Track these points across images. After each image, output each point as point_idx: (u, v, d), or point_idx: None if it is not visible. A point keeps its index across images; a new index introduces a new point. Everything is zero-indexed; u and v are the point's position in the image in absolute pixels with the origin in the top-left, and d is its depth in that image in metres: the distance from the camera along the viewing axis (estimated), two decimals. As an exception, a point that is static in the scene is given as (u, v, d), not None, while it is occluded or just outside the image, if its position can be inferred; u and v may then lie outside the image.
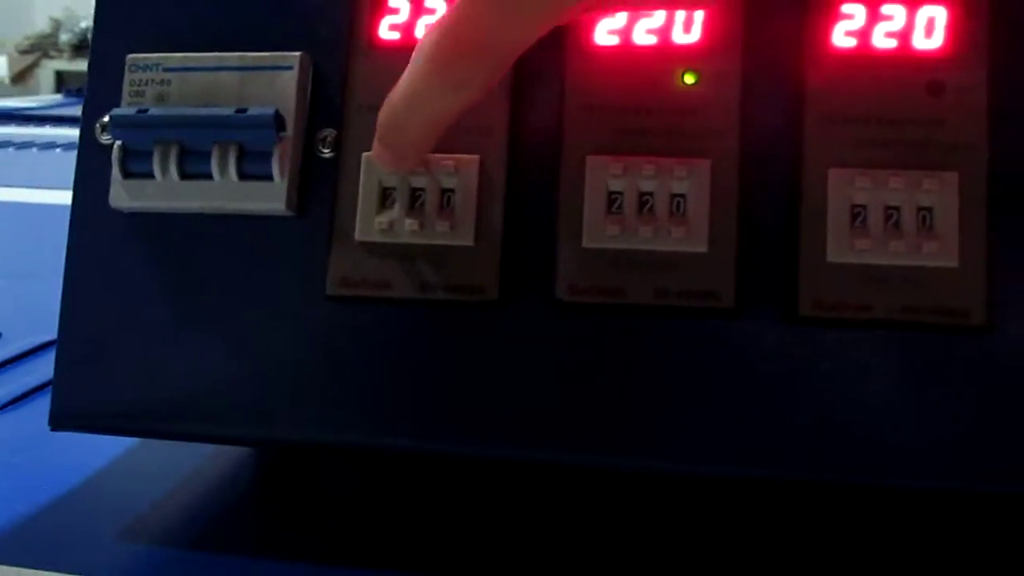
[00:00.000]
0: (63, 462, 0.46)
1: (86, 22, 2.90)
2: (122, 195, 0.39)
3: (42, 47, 2.95)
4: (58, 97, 2.52)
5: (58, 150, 1.35)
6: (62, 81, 3.01)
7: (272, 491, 0.45)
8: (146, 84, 0.39)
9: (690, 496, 0.42)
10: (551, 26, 0.32)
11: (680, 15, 0.36)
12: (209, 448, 0.47)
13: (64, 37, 3.04)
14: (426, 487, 0.44)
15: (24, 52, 2.97)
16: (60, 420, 0.39)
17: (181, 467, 0.46)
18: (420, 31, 0.38)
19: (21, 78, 2.94)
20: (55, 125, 1.61)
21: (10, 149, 1.37)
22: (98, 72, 0.40)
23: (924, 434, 0.34)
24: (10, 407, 0.53)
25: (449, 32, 0.31)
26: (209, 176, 0.37)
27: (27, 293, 0.71)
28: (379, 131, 0.34)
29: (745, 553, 0.38)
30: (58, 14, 3.15)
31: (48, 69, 3.06)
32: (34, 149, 1.37)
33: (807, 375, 0.34)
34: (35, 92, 2.79)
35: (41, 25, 3.20)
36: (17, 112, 1.73)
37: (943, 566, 0.37)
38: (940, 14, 0.35)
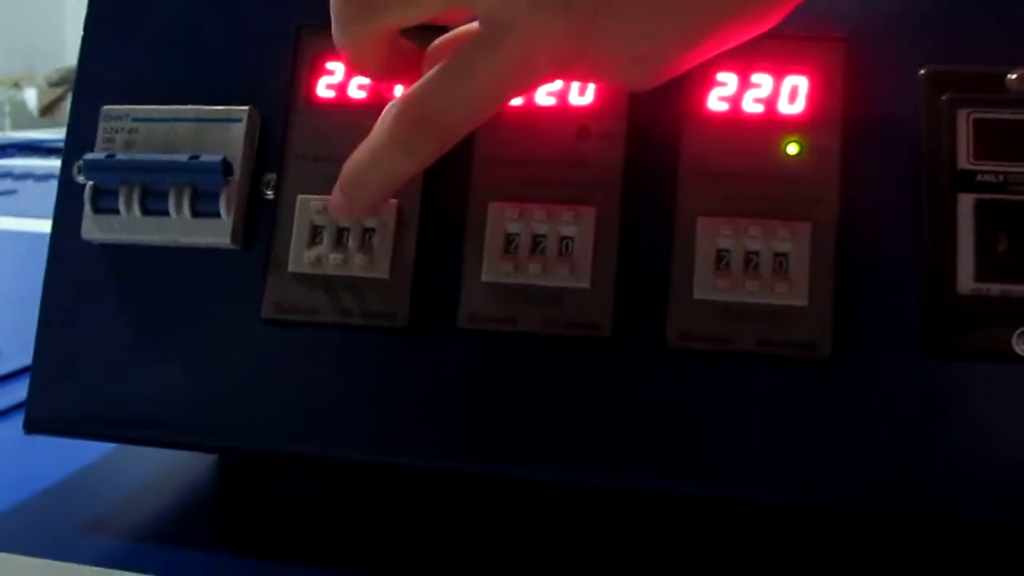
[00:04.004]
0: (42, 465, 0.51)
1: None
2: (93, 228, 0.44)
3: (71, 80, 3.03)
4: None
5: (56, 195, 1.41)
6: (91, 114, 3.09)
7: (227, 492, 0.50)
8: (116, 132, 0.44)
9: (577, 506, 0.46)
10: (496, 110, 0.36)
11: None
12: (176, 456, 0.52)
13: (94, 71, 3.12)
14: (366, 491, 0.48)
15: (53, 85, 3.06)
16: (33, 425, 0.45)
17: (147, 472, 0.51)
18: (353, 91, 0.43)
19: (49, 110, 3.02)
20: (76, 157, 1.67)
21: (29, 181, 1.43)
22: (77, 119, 0.46)
23: (775, 454, 0.38)
24: (3, 416, 0.59)
25: (409, 105, 0.36)
26: (167, 213, 0.43)
27: (29, 316, 0.77)
28: (341, 183, 0.38)
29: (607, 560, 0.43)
30: (89, 48, 3.24)
31: (77, 102, 3.14)
32: (53, 180, 1.44)
33: (674, 398, 0.39)
34: (63, 124, 2.87)
35: (71, 58, 3.29)
36: (41, 144, 1.80)
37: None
38: (803, 83, 0.40)
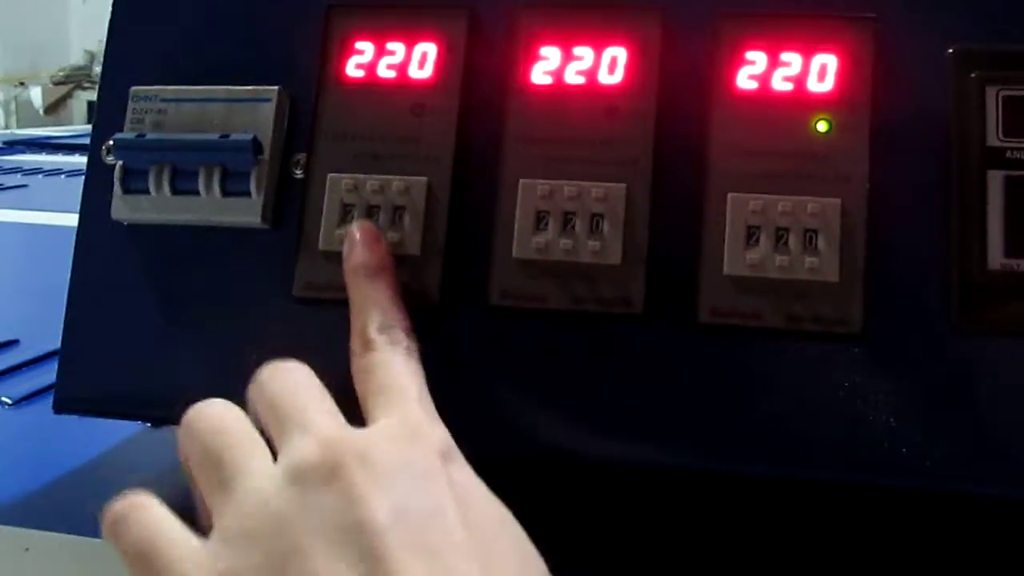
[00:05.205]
0: (66, 448, 0.51)
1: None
2: (122, 208, 0.44)
3: (76, 79, 3.05)
4: (89, 127, 2.60)
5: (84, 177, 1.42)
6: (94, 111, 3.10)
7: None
8: (146, 112, 0.45)
9: (607, 482, 0.46)
10: None
11: (605, 59, 0.42)
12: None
13: (98, 69, 3.14)
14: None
15: (58, 83, 3.07)
16: (62, 405, 0.45)
17: (173, 454, 0.51)
18: (382, 70, 0.43)
19: (54, 109, 3.03)
20: (83, 153, 1.68)
21: (39, 176, 1.44)
22: (106, 101, 0.46)
23: (806, 430, 0.38)
24: (24, 402, 0.59)
25: None
26: (196, 192, 0.43)
27: (45, 306, 0.77)
28: None
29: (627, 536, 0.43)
30: (93, 47, 3.26)
31: (81, 100, 3.16)
32: (62, 176, 1.44)
33: (705, 374, 0.39)
34: (67, 122, 2.88)
35: (76, 58, 3.30)
36: (48, 140, 1.81)
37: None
38: (831, 61, 0.41)
